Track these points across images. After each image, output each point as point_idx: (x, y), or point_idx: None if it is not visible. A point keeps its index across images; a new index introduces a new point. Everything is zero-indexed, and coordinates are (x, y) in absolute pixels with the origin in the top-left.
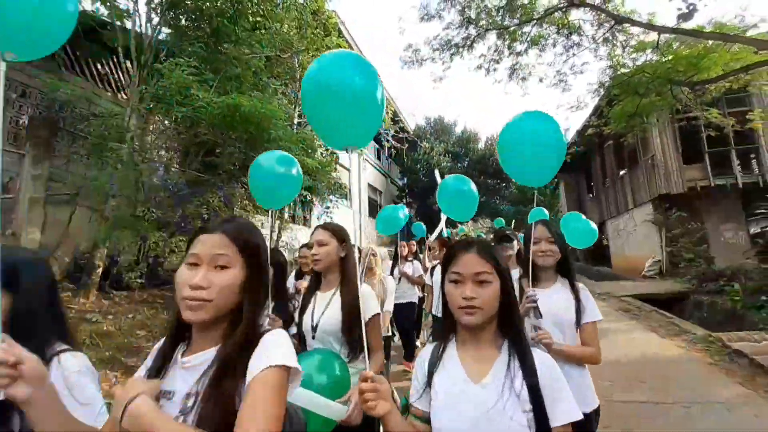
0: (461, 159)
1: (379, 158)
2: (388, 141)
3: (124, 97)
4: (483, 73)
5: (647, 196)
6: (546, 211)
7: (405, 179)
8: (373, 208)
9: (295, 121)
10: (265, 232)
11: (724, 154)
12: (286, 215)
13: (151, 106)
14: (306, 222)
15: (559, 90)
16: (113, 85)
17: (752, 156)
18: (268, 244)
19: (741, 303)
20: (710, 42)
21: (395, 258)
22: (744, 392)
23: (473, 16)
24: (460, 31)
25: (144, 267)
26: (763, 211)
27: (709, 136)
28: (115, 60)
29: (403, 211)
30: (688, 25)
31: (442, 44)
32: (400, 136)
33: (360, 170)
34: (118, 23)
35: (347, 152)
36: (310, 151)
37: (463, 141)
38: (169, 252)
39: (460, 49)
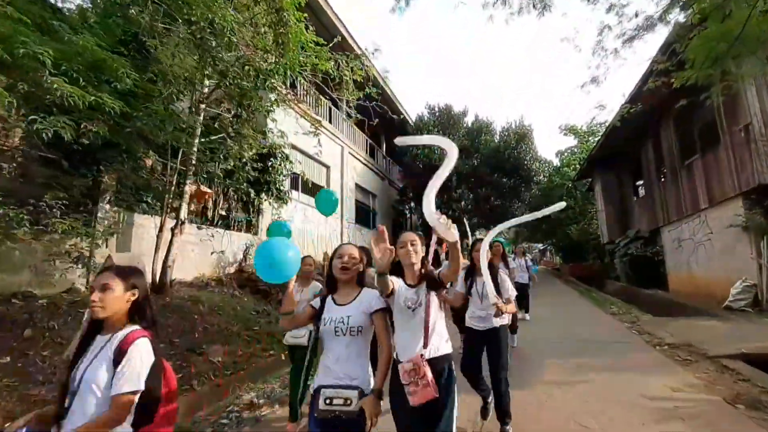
0: (471, 155)
1: (373, 156)
2: (350, 114)
3: None
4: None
5: (734, 188)
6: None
7: (407, 180)
8: (364, 214)
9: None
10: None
11: None
12: (183, 214)
13: None
14: (252, 229)
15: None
16: None
17: None
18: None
19: None
20: None
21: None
22: None
23: None
24: None
25: None
26: None
27: None
28: None
29: None
30: None
31: None
32: (366, 104)
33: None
34: None
35: None
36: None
37: (473, 133)
38: None
39: None
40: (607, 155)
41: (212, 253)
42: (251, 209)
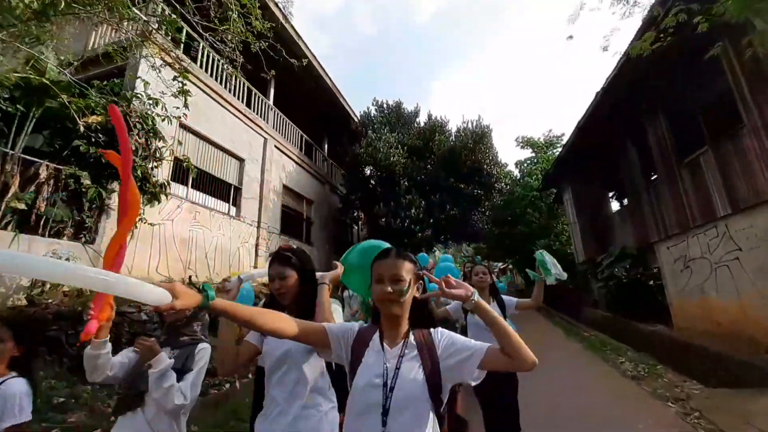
0: (424, 157)
1: (310, 156)
2: (232, 60)
3: None
4: None
5: None
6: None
7: (351, 185)
8: (295, 223)
9: None
10: None
11: None
12: None
13: None
14: (84, 234)
15: None
16: None
17: None
18: None
19: None
20: None
21: None
22: None
23: None
24: None
25: None
26: None
27: None
28: None
29: None
30: None
31: None
32: (254, 42)
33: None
34: None
35: None
36: None
37: (426, 133)
38: None
39: None
40: (580, 153)
41: None
42: (85, 203)
